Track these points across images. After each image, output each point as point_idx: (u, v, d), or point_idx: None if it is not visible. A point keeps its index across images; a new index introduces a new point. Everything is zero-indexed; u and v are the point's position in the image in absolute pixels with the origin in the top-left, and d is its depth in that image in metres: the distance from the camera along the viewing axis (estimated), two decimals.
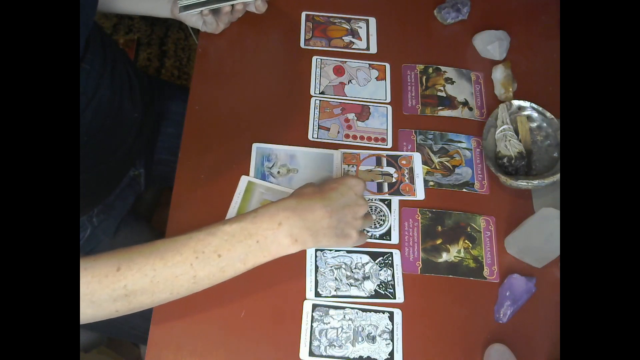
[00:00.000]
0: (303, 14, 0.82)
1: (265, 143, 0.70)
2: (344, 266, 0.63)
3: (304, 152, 0.70)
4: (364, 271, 0.62)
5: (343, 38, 0.80)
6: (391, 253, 0.64)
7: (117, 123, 0.72)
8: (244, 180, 0.67)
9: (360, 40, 0.80)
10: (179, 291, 0.50)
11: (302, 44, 0.79)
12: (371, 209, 0.66)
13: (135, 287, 0.47)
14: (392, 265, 0.63)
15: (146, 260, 0.48)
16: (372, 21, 0.82)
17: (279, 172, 0.68)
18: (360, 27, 0.81)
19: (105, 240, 0.78)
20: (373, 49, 0.79)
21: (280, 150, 0.70)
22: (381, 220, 0.66)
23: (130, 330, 0.78)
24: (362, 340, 0.59)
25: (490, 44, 0.78)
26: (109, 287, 0.47)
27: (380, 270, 0.63)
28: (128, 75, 0.76)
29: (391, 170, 0.69)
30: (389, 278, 0.62)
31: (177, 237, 0.50)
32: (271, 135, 0.71)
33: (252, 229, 0.50)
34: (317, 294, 0.61)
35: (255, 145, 0.70)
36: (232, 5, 0.73)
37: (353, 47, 0.79)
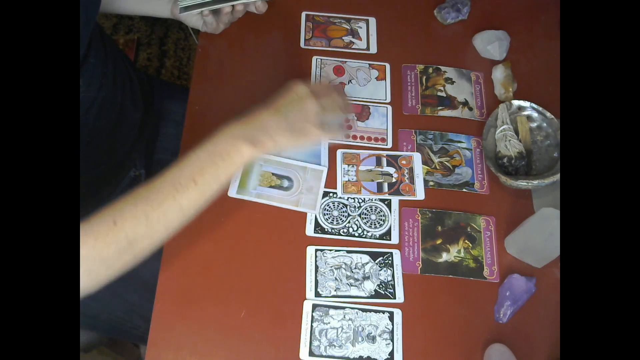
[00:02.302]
0: (303, 14, 0.82)
1: None
2: (344, 266, 0.63)
3: None
4: (364, 271, 0.62)
5: (343, 38, 0.80)
6: (391, 253, 0.64)
7: (119, 123, 0.72)
8: None
9: (360, 40, 0.80)
10: (172, 225, 0.53)
11: (302, 44, 0.79)
12: (371, 209, 0.66)
13: (135, 235, 0.50)
14: (392, 265, 0.63)
15: (135, 207, 0.51)
16: (372, 21, 0.82)
17: None
18: (360, 27, 0.81)
19: None
20: (373, 49, 0.79)
21: None
22: (381, 220, 0.66)
23: (131, 330, 0.78)
24: (362, 340, 0.59)
25: (490, 44, 0.78)
26: (113, 242, 0.49)
27: (380, 270, 0.63)
28: (129, 76, 0.76)
29: (391, 170, 0.69)
30: (389, 278, 0.62)
31: (154, 180, 0.54)
32: None
33: (213, 149, 0.55)
34: (317, 294, 0.61)
35: None
36: (233, 5, 0.73)
37: (353, 47, 0.79)
